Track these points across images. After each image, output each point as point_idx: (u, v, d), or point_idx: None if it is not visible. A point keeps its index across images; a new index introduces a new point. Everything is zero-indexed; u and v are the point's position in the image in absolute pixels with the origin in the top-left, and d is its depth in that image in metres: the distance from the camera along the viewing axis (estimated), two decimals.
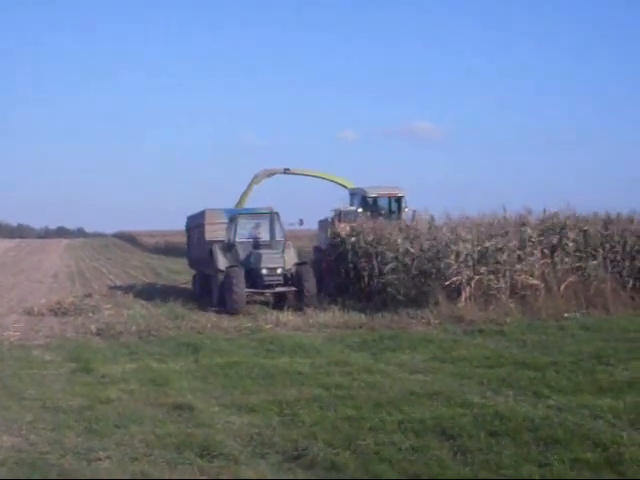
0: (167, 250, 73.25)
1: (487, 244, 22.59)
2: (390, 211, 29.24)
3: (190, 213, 32.41)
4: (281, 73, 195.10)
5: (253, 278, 24.07)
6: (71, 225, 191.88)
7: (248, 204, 35.42)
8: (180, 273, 42.05)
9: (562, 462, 8.08)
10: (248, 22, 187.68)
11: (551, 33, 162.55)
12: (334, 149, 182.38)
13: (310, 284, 23.90)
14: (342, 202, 30.20)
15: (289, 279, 24.54)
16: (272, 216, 26.12)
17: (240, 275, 23.58)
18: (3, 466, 8.68)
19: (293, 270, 24.67)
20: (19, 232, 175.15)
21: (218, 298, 24.57)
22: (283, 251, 25.15)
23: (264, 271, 23.99)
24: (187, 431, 9.90)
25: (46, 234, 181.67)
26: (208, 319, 21.39)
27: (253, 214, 26.99)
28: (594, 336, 17.57)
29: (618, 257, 23.42)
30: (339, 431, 9.59)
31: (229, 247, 25.61)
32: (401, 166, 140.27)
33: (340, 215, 28.75)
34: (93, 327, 20.60)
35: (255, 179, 38.91)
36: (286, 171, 39.12)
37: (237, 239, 25.65)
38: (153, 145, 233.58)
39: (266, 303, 25.24)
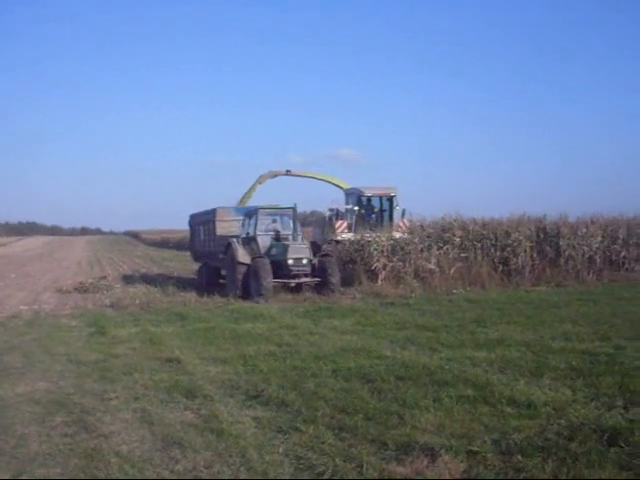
0: (162, 244, 72.85)
1: (397, 239, 22.79)
2: (382, 209, 25.90)
3: (190, 213, 28.21)
4: (240, 101, 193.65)
5: (278, 269, 19.92)
6: (91, 225, 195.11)
7: (251, 203, 30.08)
8: (171, 260, 41.85)
9: (450, 398, 8.11)
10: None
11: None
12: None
13: (335, 276, 20.26)
14: (335, 202, 26.78)
15: (312, 270, 20.47)
16: (294, 211, 21.13)
17: (267, 266, 19.59)
18: (39, 404, 8.51)
19: (315, 261, 20.55)
20: (52, 231, 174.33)
21: (241, 288, 20.24)
22: (305, 243, 21.14)
23: (290, 261, 19.87)
24: (175, 378, 9.77)
25: (72, 232, 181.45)
26: (192, 296, 21.00)
27: (273, 209, 21.81)
28: (474, 306, 17.77)
29: (492, 249, 23.74)
30: (288, 377, 9.54)
31: (248, 240, 21.22)
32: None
33: (337, 213, 25.73)
34: (107, 301, 20.40)
35: (260, 179, 33.16)
36: (288, 172, 33.19)
37: (257, 232, 21.17)
38: (152, 161, 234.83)
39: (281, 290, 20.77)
